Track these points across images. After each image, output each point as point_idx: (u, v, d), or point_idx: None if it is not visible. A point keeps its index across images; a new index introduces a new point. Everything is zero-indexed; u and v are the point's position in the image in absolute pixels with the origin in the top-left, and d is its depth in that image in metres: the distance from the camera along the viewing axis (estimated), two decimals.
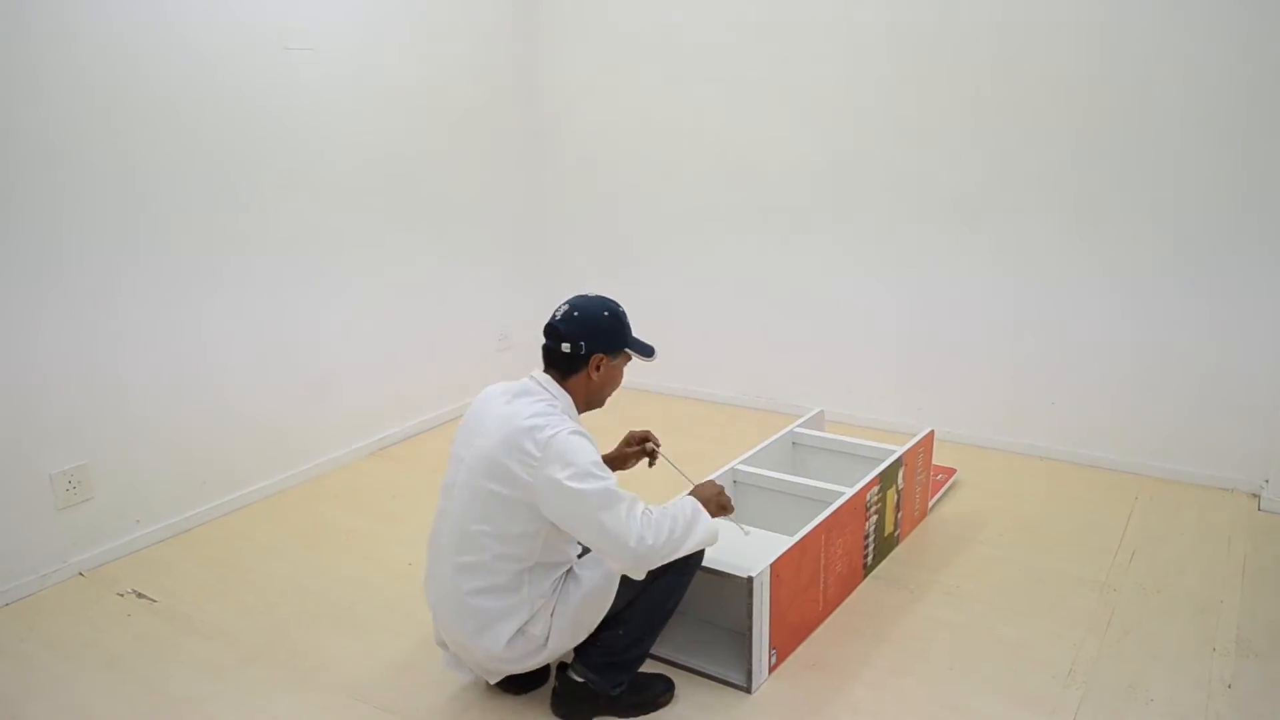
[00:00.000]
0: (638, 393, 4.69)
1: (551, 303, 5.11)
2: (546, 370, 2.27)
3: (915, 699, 2.35)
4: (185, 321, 3.25)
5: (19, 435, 2.86)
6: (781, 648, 2.49)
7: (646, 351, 2.32)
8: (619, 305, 2.30)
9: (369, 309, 3.93)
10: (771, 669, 2.46)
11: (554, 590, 2.18)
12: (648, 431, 2.56)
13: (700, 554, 2.27)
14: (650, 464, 2.54)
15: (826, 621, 2.70)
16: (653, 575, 2.15)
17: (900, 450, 3.05)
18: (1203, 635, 2.59)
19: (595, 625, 2.21)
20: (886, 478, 2.93)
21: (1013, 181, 3.63)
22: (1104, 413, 3.68)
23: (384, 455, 4.02)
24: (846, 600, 2.81)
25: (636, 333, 2.32)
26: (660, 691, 2.34)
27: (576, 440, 2.08)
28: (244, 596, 2.90)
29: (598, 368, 2.23)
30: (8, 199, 2.75)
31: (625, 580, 2.18)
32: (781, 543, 2.47)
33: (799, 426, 3.40)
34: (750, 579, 2.29)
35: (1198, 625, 2.64)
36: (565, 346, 2.21)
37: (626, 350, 2.28)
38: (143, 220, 3.08)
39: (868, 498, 2.82)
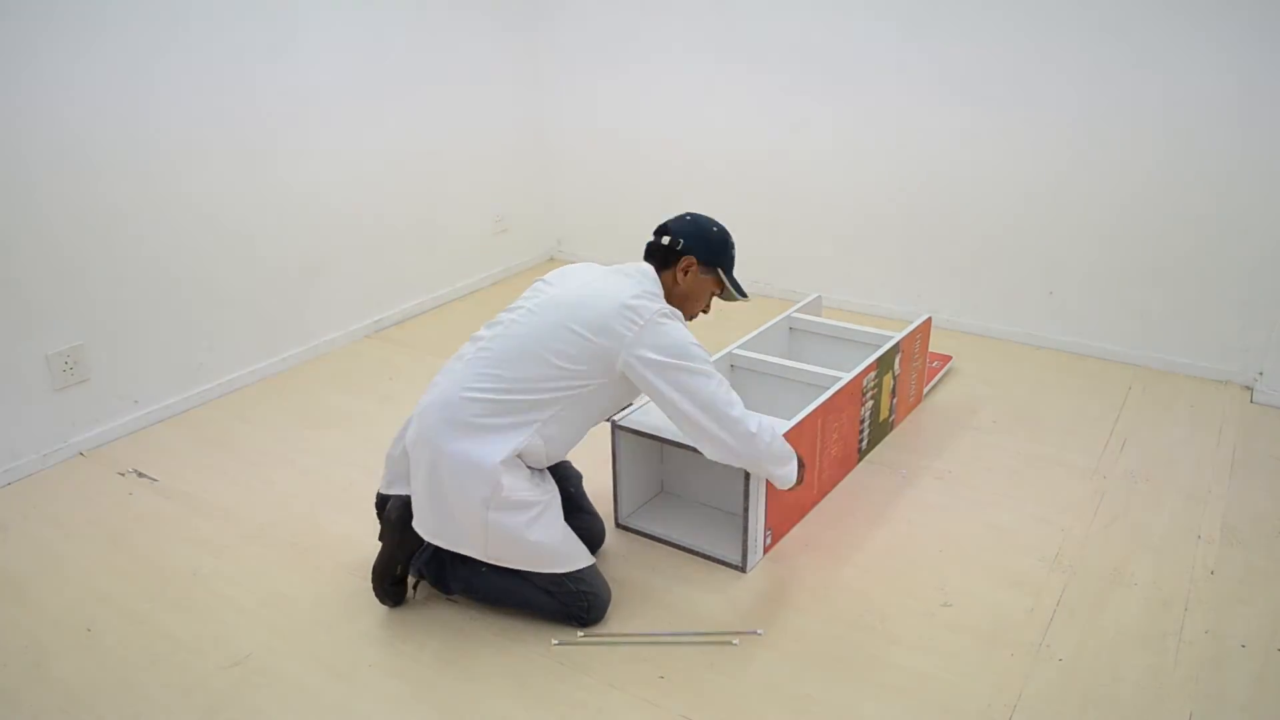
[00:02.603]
0: None
1: (547, 184, 5.06)
2: (652, 264, 2.28)
3: (905, 580, 2.41)
4: (177, 201, 3.19)
5: (14, 315, 2.84)
6: (777, 529, 2.53)
7: (738, 289, 2.33)
8: (730, 235, 2.33)
9: (364, 190, 3.87)
10: (766, 549, 2.50)
11: (531, 483, 2.15)
12: None
13: (574, 618, 2.23)
14: None
15: (821, 504, 2.74)
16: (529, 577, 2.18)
17: (897, 336, 3.05)
18: (1189, 523, 2.63)
19: (515, 565, 2.17)
20: (883, 364, 2.93)
21: (1017, 65, 3.53)
22: (1100, 303, 3.67)
23: (381, 337, 4.01)
24: (841, 483, 2.84)
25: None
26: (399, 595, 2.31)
27: (678, 325, 2.13)
28: (243, 476, 2.93)
29: (685, 271, 2.24)
30: None
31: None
32: (778, 427, 2.48)
33: (796, 311, 3.39)
34: None
35: (1185, 513, 2.68)
36: (665, 239, 2.26)
37: (719, 273, 2.28)
38: (130, 95, 2.99)
39: (864, 383, 2.83)
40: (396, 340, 3.98)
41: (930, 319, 3.31)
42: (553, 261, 4.95)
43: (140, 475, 2.94)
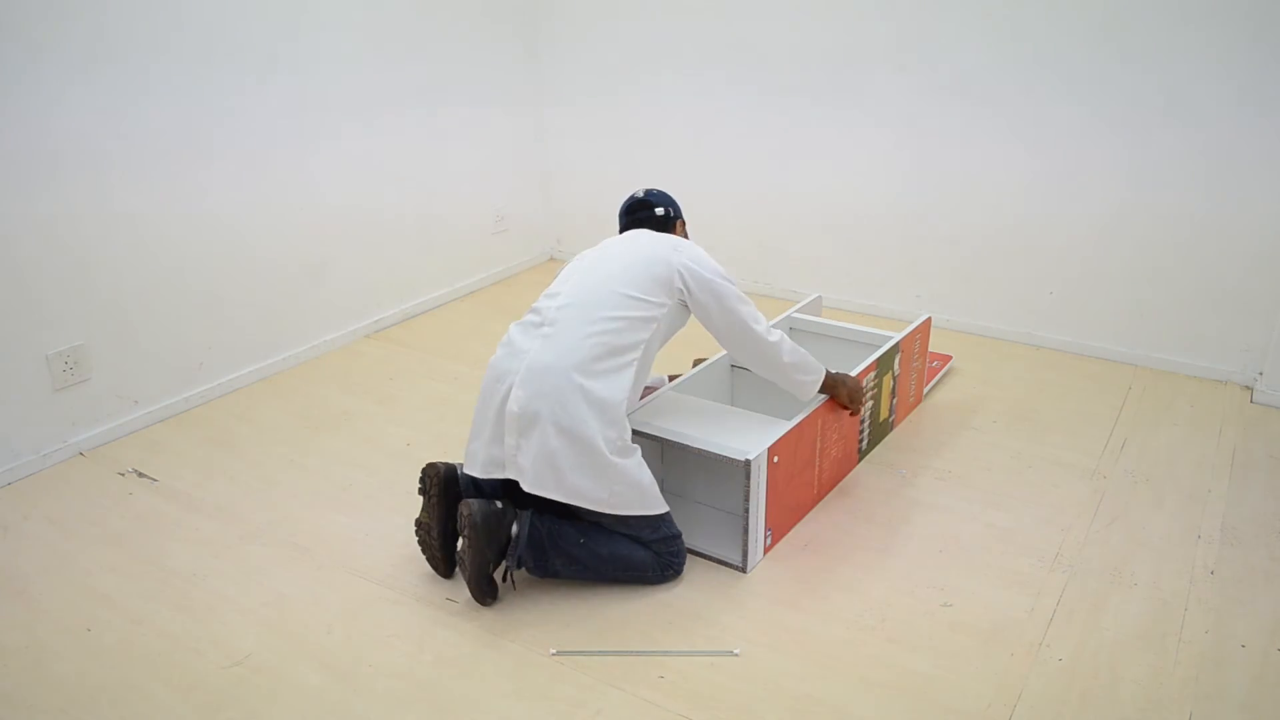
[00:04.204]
0: None
1: (547, 185, 5.05)
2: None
3: (904, 580, 2.41)
4: (178, 202, 3.19)
5: (15, 315, 2.84)
6: (777, 529, 2.53)
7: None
8: None
9: (364, 190, 3.86)
10: (766, 549, 2.50)
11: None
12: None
13: (669, 567, 2.38)
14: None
15: (821, 504, 2.74)
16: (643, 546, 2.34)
17: (897, 337, 3.05)
18: (1189, 523, 2.63)
19: (633, 510, 2.28)
20: (883, 364, 2.93)
21: (1017, 63, 3.53)
22: (1101, 303, 3.67)
23: (380, 337, 4.01)
24: (841, 483, 2.84)
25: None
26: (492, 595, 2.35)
27: (705, 253, 2.44)
28: (243, 476, 2.93)
29: (682, 229, 2.65)
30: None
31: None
32: (779, 426, 2.48)
33: (796, 312, 3.39)
34: (748, 461, 2.31)
35: (1185, 513, 2.68)
36: (659, 210, 2.62)
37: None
38: (131, 96, 2.99)
39: (864, 383, 2.83)
40: (396, 340, 3.98)
41: (930, 319, 3.31)
42: (552, 261, 4.95)
43: (140, 475, 2.94)
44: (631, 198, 2.67)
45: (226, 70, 3.25)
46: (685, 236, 2.63)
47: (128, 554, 2.55)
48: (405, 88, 3.94)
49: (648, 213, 2.62)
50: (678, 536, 2.39)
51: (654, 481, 2.33)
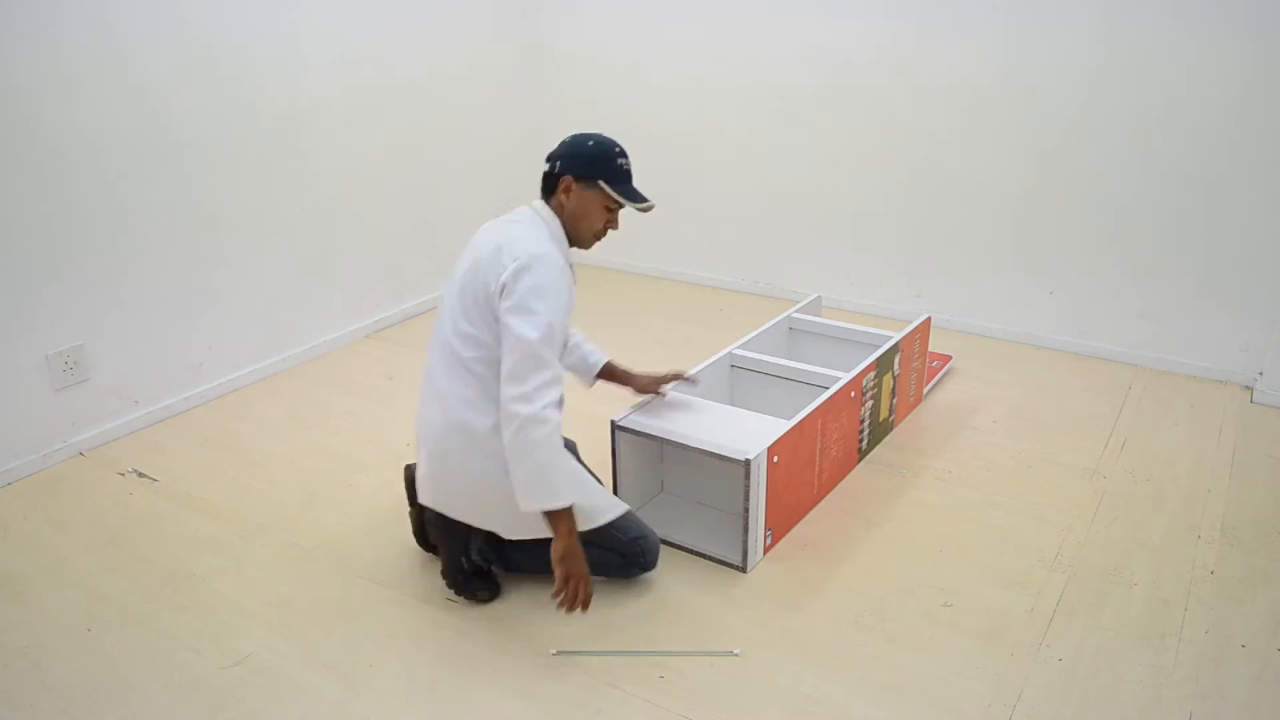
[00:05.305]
0: (636, 277, 4.67)
1: None
2: (542, 196, 2.26)
3: (904, 579, 2.41)
4: (178, 201, 3.19)
5: (15, 315, 2.84)
6: (777, 528, 2.53)
7: (631, 196, 2.19)
8: (615, 144, 2.23)
9: (364, 190, 3.86)
10: (766, 549, 2.50)
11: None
12: (680, 375, 2.65)
13: (635, 565, 2.33)
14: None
15: (821, 504, 2.74)
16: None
17: (897, 336, 3.05)
18: (1189, 523, 2.63)
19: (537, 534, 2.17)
20: (883, 364, 2.93)
21: (1021, 67, 3.53)
22: (1101, 303, 3.67)
23: (379, 338, 4.01)
24: (841, 483, 2.84)
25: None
26: (480, 589, 2.33)
27: (546, 277, 2.04)
28: (243, 476, 2.93)
29: (567, 190, 2.18)
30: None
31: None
32: (779, 426, 2.48)
33: (796, 311, 3.39)
34: (748, 461, 2.31)
35: (1184, 513, 2.68)
36: (546, 165, 2.23)
37: (603, 186, 2.17)
38: (135, 98, 2.99)
39: (864, 383, 2.83)
40: (396, 340, 3.98)
41: (930, 319, 3.31)
42: None
43: (140, 475, 2.94)
44: None
45: (226, 70, 3.25)
46: (573, 193, 2.18)
47: (128, 554, 2.55)
48: (405, 87, 3.94)
49: (546, 169, 2.24)
50: (638, 539, 2.29)
51: (600, 489, 2.24)
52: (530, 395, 1.98)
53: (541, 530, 2.12)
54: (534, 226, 2.17)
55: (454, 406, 2.15)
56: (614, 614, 2.28)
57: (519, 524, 2.18)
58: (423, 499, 2.27)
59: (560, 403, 2.05)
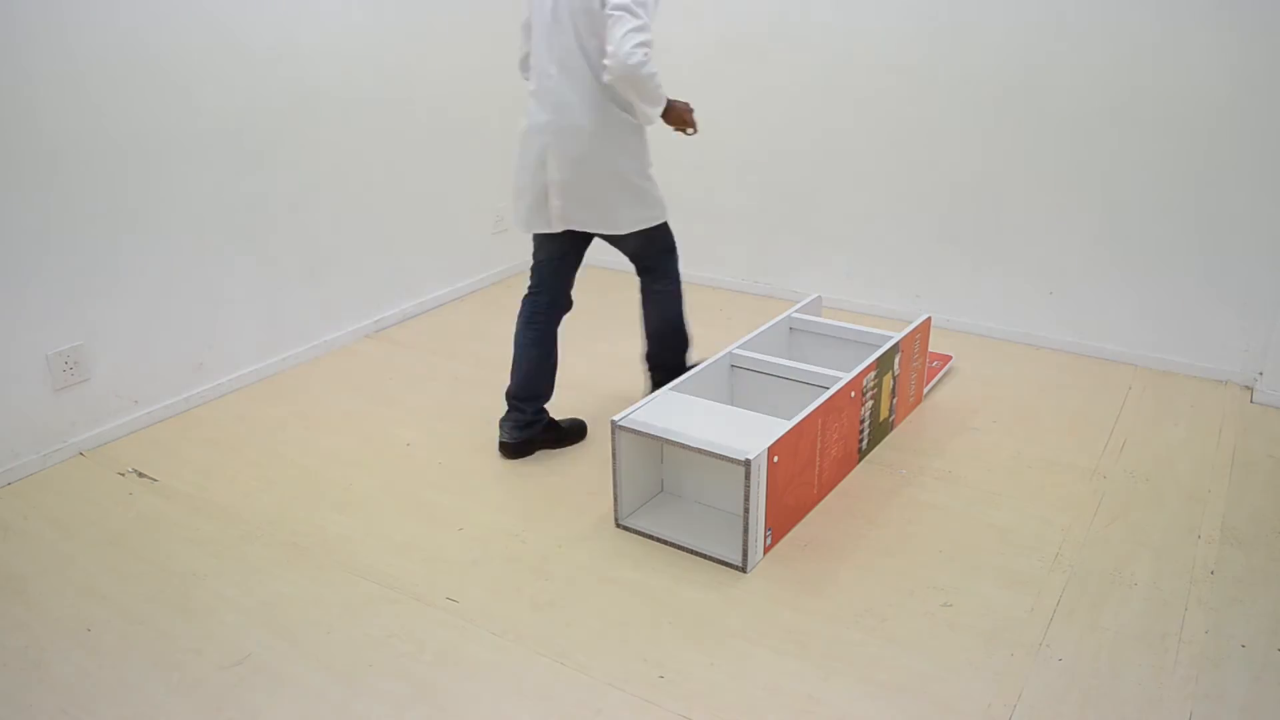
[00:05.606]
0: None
1: None
2: None
3: (904, 579, 2.41)
4: (178, 201, 3.19)
5: (15, 315, 2.84)
6: (777, 528, 2.53)
7: None
8: None
9: (364, 190, 3.86)
10: (766, 549, 2.51)
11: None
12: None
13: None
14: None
15: (821, 504, 2.74)
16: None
17: (897, 337, 3.05)
18: (1189, 523, 2.63)
19: (660, 217, 2.89)
20: (883, 364, 2.94)
21: (1021, 66, 3.53)
22: (1101, 303, 3.67)
23: (381, 338, 4.01)
24: (841, 483, 2.84)
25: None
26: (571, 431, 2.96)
27: None
28: (243, 476, 2.93)
29: None
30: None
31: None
32: (779, 426, 2.48)
33: (796, 311, 3.39)
34: (748, 461, 2.31)
35: (1185, 513, 2.68)
36: None
37: None
38: (134, 98, 2.99)
39: (864, 383, 2.83)
40: (396, 340, 3.98)
41: (930, 319, 3.31)
42: None
43: (140, 475, 2.94)
44: None
45: (226, 69, 3.25)
46: None
47: (128, 554, 2.55)
48: (405, 86, 3.94)
49: None
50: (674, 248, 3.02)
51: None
52: (627, 35, 2.45)
53: (649, 220, 2.84)
54: None
55: (585, 112, 2.65)
56: (614, 614, 2.28)
57: (636, 215, 2.81)
58: (557, 226, 2.75)
59: (650, 46, 2.51)
